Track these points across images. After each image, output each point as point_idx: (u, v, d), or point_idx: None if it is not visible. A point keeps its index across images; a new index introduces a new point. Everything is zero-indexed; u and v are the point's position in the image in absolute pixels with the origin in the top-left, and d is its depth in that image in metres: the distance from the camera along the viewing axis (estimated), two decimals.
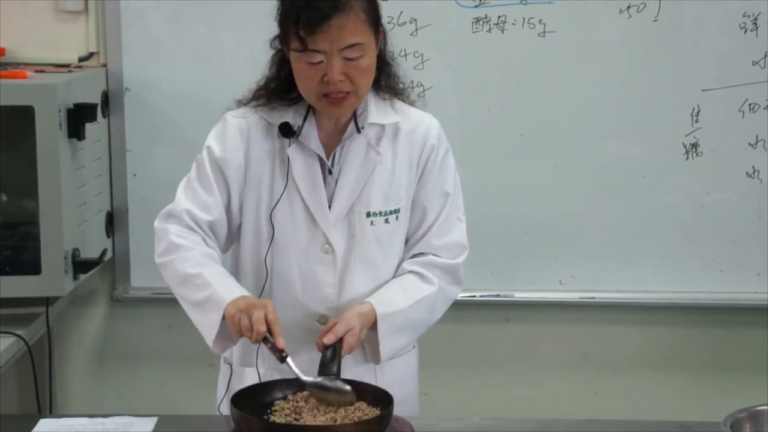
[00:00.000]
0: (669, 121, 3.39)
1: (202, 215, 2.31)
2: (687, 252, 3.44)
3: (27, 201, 3.03)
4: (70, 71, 3.31)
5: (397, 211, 2.34)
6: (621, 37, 3.35)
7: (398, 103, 2.38)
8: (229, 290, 2.20)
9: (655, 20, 3.33)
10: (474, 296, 3.46)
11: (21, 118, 2.92)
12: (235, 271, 2.37)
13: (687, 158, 3.40)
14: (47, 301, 3.16)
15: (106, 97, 3.38)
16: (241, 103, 2.38)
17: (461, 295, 3.47)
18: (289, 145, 2.30)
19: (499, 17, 3.34)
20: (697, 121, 3.38)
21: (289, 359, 2.10)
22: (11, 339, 2.94)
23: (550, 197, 3.44)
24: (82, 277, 3.13)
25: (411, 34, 3.34)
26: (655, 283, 3.46)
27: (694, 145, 3.39)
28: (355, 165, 2.31)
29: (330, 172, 2.32)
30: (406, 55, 3.34)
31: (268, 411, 2.11)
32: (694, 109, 3.38)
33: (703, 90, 3.37)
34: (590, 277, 3.47)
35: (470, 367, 3.59)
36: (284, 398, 2.15)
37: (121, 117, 3.40)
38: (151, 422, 2.22)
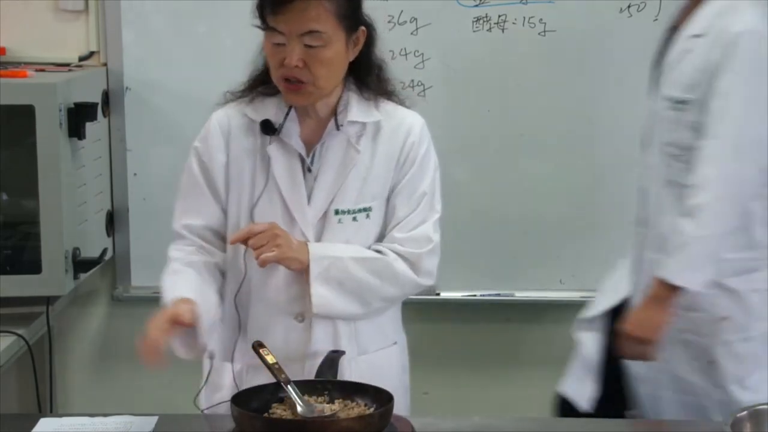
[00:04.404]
0: None
1: (195, 222, 2.34)
2: None
3: (27, 200, 3.03)
4: (70, 70, 3.31)
5: (368, 210, 2.33)
6: (621, 36, 3.35)
7: (383, 103, 2.37)
8: (171, 297, 2.20)
9: (656, 20, 3.33)
10: (474, 296, 3.46)
11: (21, 117, 2.93)
12: None
13: None
14: (48, 301, 3.16)
15: (106, 97, 3.38)
16: (228, 98, 2.39)
17: (461, 295, 3.51)
18: (270, 143, 2.31)
19: (499, 16, 3.34)
20: None
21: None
22: (12, 338, 2.94)
23: (550, 197, 3.44)
24: (83, 276, 3.13)
25: (411, 33, 3.35)
26: None
27: None
28: (335, 163, 2.31)
29: (309, 170, 2.32)
30: (406, 54, 3.35)
31: (269, 409, 2.12)
32: None
33: None
34: (591, 277, 3.46)
35: (470, 367, 3.59)
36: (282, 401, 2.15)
37: (122, 116, 3.41)
38: (151, 422, 2.22)
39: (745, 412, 2.03)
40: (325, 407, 2.11)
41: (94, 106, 3.11)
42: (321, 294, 2.26)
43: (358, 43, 2.29)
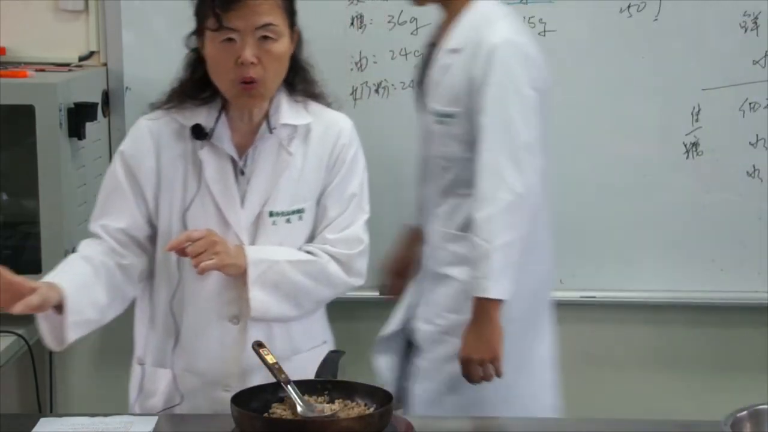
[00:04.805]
0: (669, 121, 3.39)
1: (113, 224, 2.31)
2: (687, 252, 3.44)
3: (27, 200, 3.03)
4: (70, 70, 3.31)
5: (301, 211, 2.34)
6: (621, 36, 3.35)
7: (312, 105, 2.39)
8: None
9: (656, 19, 3.33)
10: None
11: (21, 117, 2.93)
12: (150, 275, 2.36)
13: (687, 157, 3.40)
14: None
15: (106, 97, 3.38)
16: (155, 106, 2.38)
17: None
18: (201, 148, 2.31)
19: None
20: (697, 121, 3.38)
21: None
22: (12, 338, 2.94)
23: (549, 197, 3.43)
24: None
25: (411, 34, 3.34)
26: (655, 282, 3.46)
27: (695, 145, 3.39)
28: (267, 166, 2.32)
29: (242, 173, 2.32)
30: (406, 54, 3.34)
31: (269, 409, 2.12)
32: (694, 108, 3.38)
33: (703, 89, 3.37)
34: (590, 277, 3.47)
35: None
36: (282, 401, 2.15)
37: (122, 116, 3.40)
38: (151, 422, 2.22)
39: (745, 412, 2.03)
40: (325, 407, 2.11)
41: (94, 106, 3.12)
42: (258, 298, 2.27)
43: (294, 43, 2.32)
